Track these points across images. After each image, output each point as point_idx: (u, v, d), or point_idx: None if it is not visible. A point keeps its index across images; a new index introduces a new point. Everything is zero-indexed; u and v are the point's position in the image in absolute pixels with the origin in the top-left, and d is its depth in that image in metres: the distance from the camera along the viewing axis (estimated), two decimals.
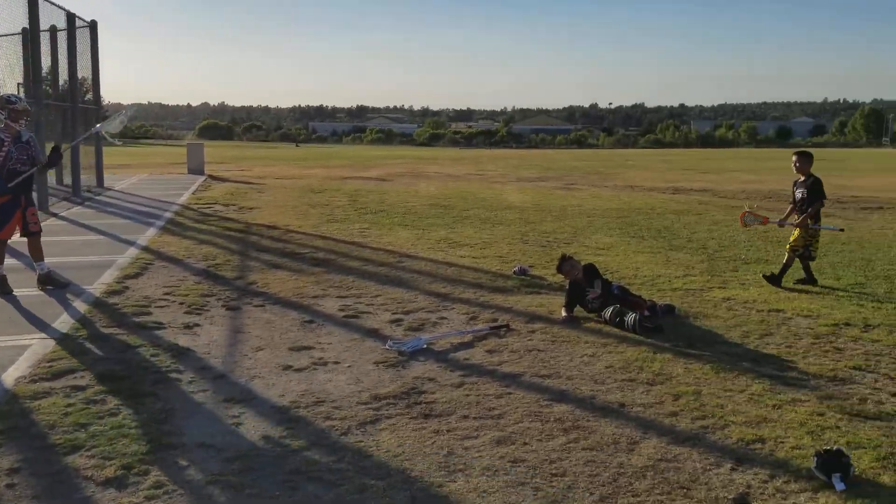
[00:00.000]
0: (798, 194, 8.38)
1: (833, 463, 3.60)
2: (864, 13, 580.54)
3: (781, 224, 8.81)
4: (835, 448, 3.72)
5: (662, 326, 6.36)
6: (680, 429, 4.30)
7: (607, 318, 6.55)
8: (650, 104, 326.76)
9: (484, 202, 17.93)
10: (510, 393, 4.94)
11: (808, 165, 8.41)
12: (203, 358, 5.66)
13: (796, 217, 8.38)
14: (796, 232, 8.28)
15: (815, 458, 3.68)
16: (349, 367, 5.50)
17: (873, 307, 7.16)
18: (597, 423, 4.40)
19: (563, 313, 6.84)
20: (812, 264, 9.51)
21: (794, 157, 8.56)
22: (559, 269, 7.35)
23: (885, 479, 3.66)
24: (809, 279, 8.29)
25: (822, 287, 8.10)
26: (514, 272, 8.90)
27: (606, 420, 4.45)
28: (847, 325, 6.52)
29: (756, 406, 4.62)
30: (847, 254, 10.30)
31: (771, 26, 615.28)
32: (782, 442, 4.08)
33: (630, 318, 6.33)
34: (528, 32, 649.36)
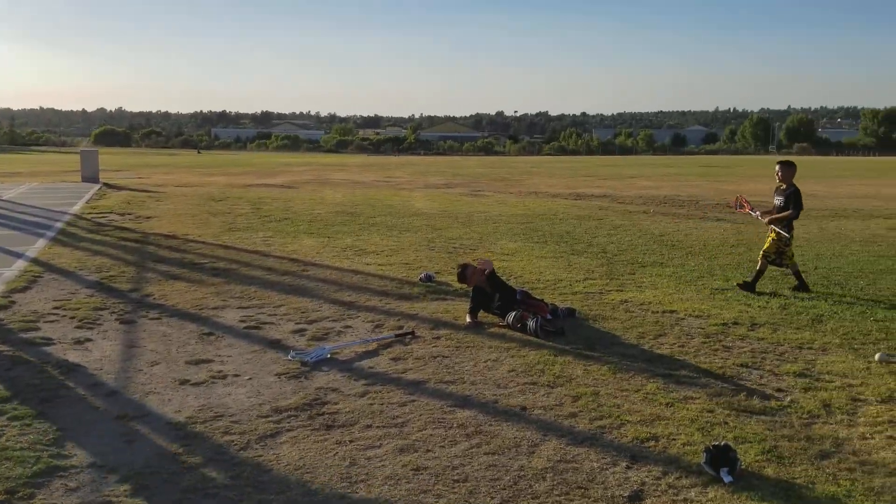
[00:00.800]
0: (776, 201, 8.52)
1: (721, 458, 3.76)
2: (752, 28, 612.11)
3: (763, 216, 8.81)
4: (723, 443, 3.88)
5: (563, 330, 6.50)
6: (579, 429, 4.40)
7: (510, 322, 6.64)
8: (554, 112, 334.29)
9: (391, 209, 17.91)
10: (414, 400, 4.93)
11: (791, 175, 8.42)
12: (95, 374, 5.41)
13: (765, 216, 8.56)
14: (769, 240, 8.40)
15: (705, 454, 3.83)
16: (249, 379, 5.37)
17: (759, 307, 7.53)
18: (499, 428, 4.44)
19: (468, 319, 6.90)
20: (703, 265, 9.95)
21: (777, 167, 8.58)
22: (460, 279, 7.41)
23: (769, 471, 3.84)
24: (802, 286, 8.26)
25: (713, 288, 8.46)
26: (421, 279, 8.92)
27: (508, 424, 4.50)
28: (735, 324, 6.83)
29: (650, 405, 4.78)
30: (736, 256, 10.80)
31: (666, 39, 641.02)
32: (674, 439, 4.23)
33: (532, 322, 6.44)
34: (433, 40, 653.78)
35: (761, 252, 8.51)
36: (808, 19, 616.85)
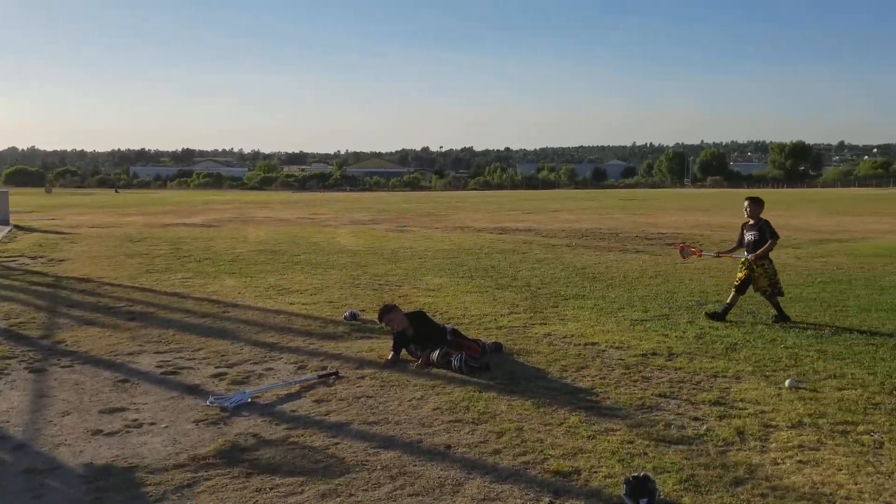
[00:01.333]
0: (749, 237, 8.70)
1: (640, 489, 3.82)
2: (666, 67, 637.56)
3: (720, 255, 9.28)
4: (642, 474, 3.95)
5: (488, 365, 6.53)
6: (503, 466, 4.41)
7: (435, 360, 6.64)
8: (478, 148, 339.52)
9: (316, 246, 17.76)
10: (337, 443, 4.86)
11: (759, 210, 8.71)
12: (1, 427, 5.14)
13: (743, 259, 8.70)
14: (758, 275, 8.53)
15: (625, 486, 3.89)
16: (166, 427, 5.19)
17: (677, 337, 7.74)
18: (423, 468, 4.41)
19: (390, 356, 6.86)
20: (623, 297, 10.19)
21: (746, 203, 8.82)
22: (380, 318, 7.27)
23: (687, 500, 3.93)
24: (781, 317, 8.43)
25: (632, 319, 8.66)
26: (345, 317, 8.84)
27: (432, 463, 4.47)
28: (654, 354, 7.00)
29: (573, 438, 4.83)
30: (654, 287, 11.11)
31: (586, 75, 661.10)
32: (596, 471, 4.28)
33: (456, 358, 6.45)
34: (359, 76, 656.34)
35: (765, 294, 8.61)
36: (718, 59, 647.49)
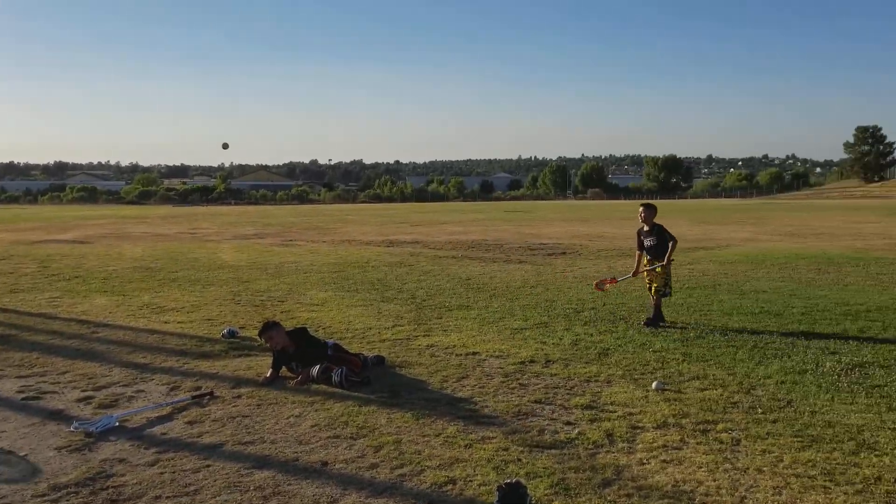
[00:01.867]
0: (648, 242, 9.09)
1: (512, 495, 3.90)
2: (549, 85, 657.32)
3: (636, 274, 9.35)
4: (514, 480, 4.03)
5: (369, 379, 6.50)
6: (379, 480, 4.40)
7: (315, 375, 6.55)
8: (368, 160, 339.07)
9: (196, 262, 17.20)
10: (209, 465, 4.71)
11: (653, 215, 9.13)
12: None
13: (647, 263, 9.08)
14: (656, 275, 8.91)
15: (497, 493, 3.96)
16: (25, 455, 4.88)
17: (554, 344, 7.97)
18: (298, 486, 4.34)
19: (268, 374, 6.72)
20: (505, 306, 10.40)
21: (640, 209, 9.20)
22: (261, 335, 7.09)
23: (557, 503, 4.04)
24: (657, 318, 8.82)
25: (513, 328, 8.85)
26: (223, 335, 8.60)
27: (308, 481, 4.41)
28: (532, 361, 7.18)
29: (450, 448, 4.88)
30: (534, 296, 11.40)
31: (473, 89, 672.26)
32: (471, 480, 4.34)
33: (336, 374, 6.39)
34: (243, 87, 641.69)
35: (653, 289, 9.00)
36: (597, 77, 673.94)
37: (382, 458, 4.74)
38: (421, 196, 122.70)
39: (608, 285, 10.31)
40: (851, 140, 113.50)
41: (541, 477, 4.36)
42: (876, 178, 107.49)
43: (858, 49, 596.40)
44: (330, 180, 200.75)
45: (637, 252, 9.41)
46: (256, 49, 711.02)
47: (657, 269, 8.99)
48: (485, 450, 4.82)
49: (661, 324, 8.85)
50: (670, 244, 9.02)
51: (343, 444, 5.04)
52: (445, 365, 7.10)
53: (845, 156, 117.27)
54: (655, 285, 9.02)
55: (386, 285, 12.87)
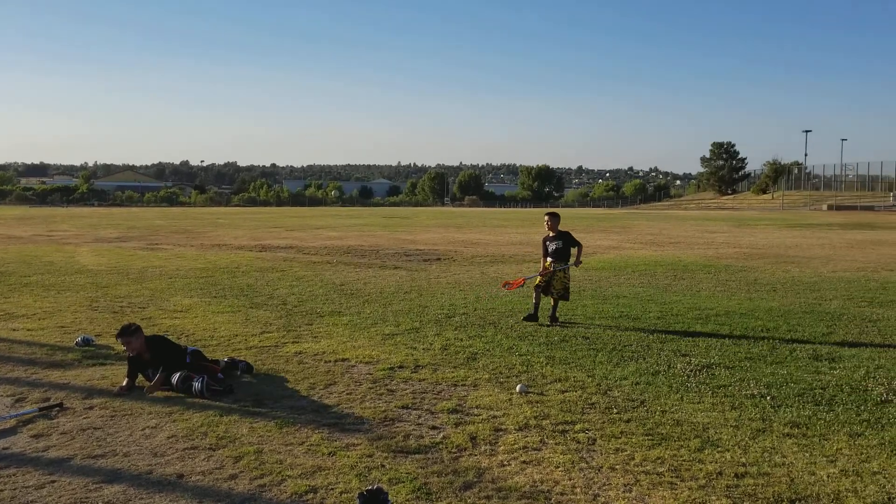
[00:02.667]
0: (553, 246, 9.75)
1: (373, 502, 3.89)
2: (428, 93, 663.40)
3: (543, 274, 9.72)
4: (375, 487, 4.02)
5: (232, 388, 6.32)
6: (237, 491, 4.27)
7: (175, 385, 6.29)
8: (243, 163, 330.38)
9: (51, 266, 16.18)
10: (54, 481, 4.42)
11: (558, 223, 9.84)
12: None
13: (550, 265, 9.67)
14: (557, 279, 9.55)
15: (358, 500, 3.93)
16: None
17: (424, 349, 8.02)
18: (150, 500, 4.15)
19: (124, 383, 6.40)
20: (377, 312, 10.39)
21: (546, 217, 9.90)
22: (118, 337, 6.70)
23: None
24: (533, 317, 9.53)
25: (384, 334, 8.84)
26: (77, 343, 8.12)
27: (161, 495, 4.22)
28: (401, 367, 7.19)
29: (313, 456, 4.81)
30: (408, 302, 11.44)
31: (352, 95, 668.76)
32: (333, 488, 4.29)
33: (197, 383, 6.17)
34: (111, 83, 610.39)
35: (554, 292, 9.60)
36: (476, 85, 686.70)
37: (242, 469, 4.60)
38: (298, 200, 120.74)
39: (516, 286, 10.68)
40: (708, 155, 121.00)
41: (403, 482, 4.36)
42: (729, 191, 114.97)
43: (715, 68, 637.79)
44: (202, 182, 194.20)
45: (542, 258, 9.97)
46: (126, 42, 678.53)
47: (565, 270, 9.66)
48: (349, 457, 4.78)
49: (535, 321, 9.49)
50: (577, 248, 9.75)
51: (201, 455, 4.87)
52: (313, 372, 7.00)
53: (702, 169, 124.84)
54: (557, 288, 9.62)
55: (256, 291, 12.56)
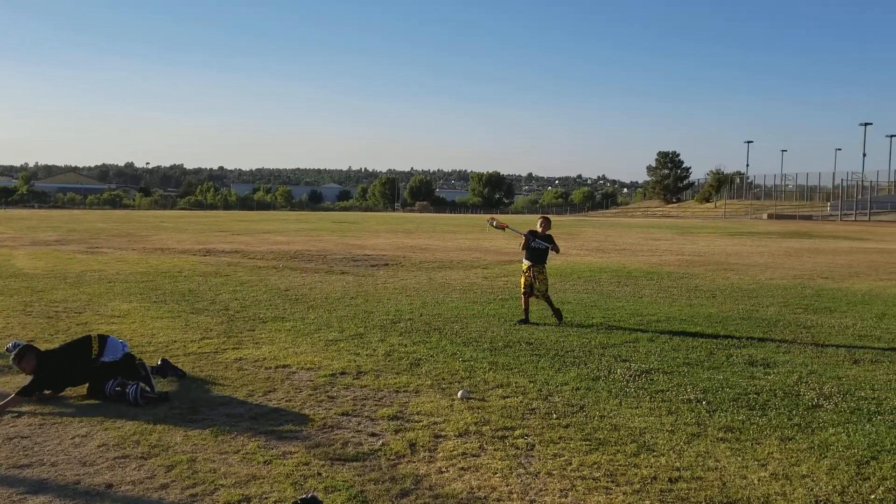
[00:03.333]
0: (535, 244, 10.33)
1: None
2: (380, 99, 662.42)
3: (523, 247, 10.38)
4: (310, 495, 3.97)
5: (168, 395, 6.17)
6: (168, 501, 4.17)
7: (108, 392, 6.12)
8: (189, 165, 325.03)
9: None
10: None
11: (549, 227, 10.55)
12: None
13: (525, 268, 10.37)
14: (540, 280, 10.23)
15: None
16: None
17: (367, 355, 7.96)
18: None
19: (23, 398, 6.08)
20: (322, 318, 10.30)
21: (540, 220, 10.63)
22: (13, 362, 6.29)
23: None
24: (525, 321, 10.06)
25: (328, 340, 8.75)
26: (7, 349, 7.84)
27: None
28: (343, 373, 7.12)
29: (248, 465, 4.72)
30: (353, 307, 11.36)
31: (303, 98, 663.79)
32: (266, 497, 4.22)
33: (131, 390, 6.01)
34: (53, 83, 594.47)
35: (538, 293, 10.28)
36: (428, 92, 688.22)
37: (174, 478, 4.50)
38: (246, 204, 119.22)
39: (503, 227, 11.28)
40: (654, 164, 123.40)
41: (339, 490, 4.31)
42: (674, 200, 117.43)
43: (662, 79, 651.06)
44: (147, 185, 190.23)
45: (524, 240, 10.42)
46: (70, 40, 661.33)
47: (540, 275, 10.29)
48: (284, 465, 4.71)
49: (528, 324, 10.01)
50: (554, 250, 10.44)
51: (132, 464, 4.74)
52: (253, 379, 6.89)
53: (648, 178, 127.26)
54: (540, 289, 10.24)
55: (198, 296, 12.33)
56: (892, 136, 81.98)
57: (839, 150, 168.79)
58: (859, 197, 75.98)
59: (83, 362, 6.31)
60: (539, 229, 10.50)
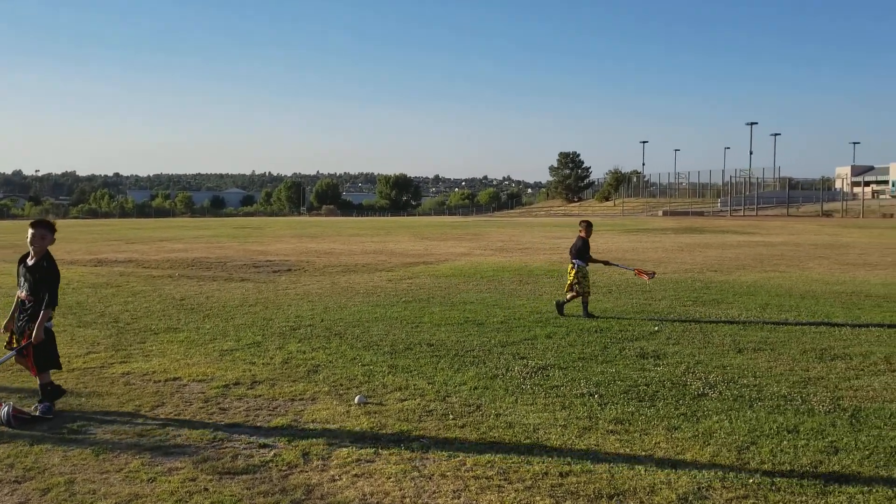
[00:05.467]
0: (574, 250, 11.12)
1: None
2: (286, 99, 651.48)
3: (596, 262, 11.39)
4: None
5: (42, 414, 5.84)
6: None
7: None
8: (83, 172, 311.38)
9: None
10: None
11: (591, 231, 11.38)
12: None
13: (570, 267, 11.18)
14: (570, 274, 10.94)
15: None
16: None
17: (263, 364, 7.78)
18: None
19: None
20: (218, 327, 10.02)
21: (581, 224, 11.52)
22: None
23: None
24: (587, 313, 10.62)
25: (223, 350, 8.50)
26: None
27: None
28: (237, 384, 6.93)
29: (130, 484, 4.52)
30: (252, 315, 11.09)
31: (198, 101, 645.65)
32: None
33: (3, 411, 5.66)
34: None
35: (567, 286, 11.06)
36: (333, 93, 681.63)
37: (49, 502, 4.25)
38: (144, 212, 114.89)
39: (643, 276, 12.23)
40: (555, 164, 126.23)
41: None
42: (576, 199, 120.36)
43: (558, 81, 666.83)
44: (37, 193, 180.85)
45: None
46: None
47: (571, 270, 11.08)
48: (170, 482, 4.53)
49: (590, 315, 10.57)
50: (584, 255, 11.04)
51: (4, 489, 4.45)
52: (140, 393, 6.61)
53: (551, 178, 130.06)
54: (581, 289, 10.81)
55: (86, 309, 11.77)
56: (776, 134, 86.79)
57: (728, 148, 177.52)
58: (747, 193, 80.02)
59: None
60: (583, 234, 11.31)
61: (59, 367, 6.36)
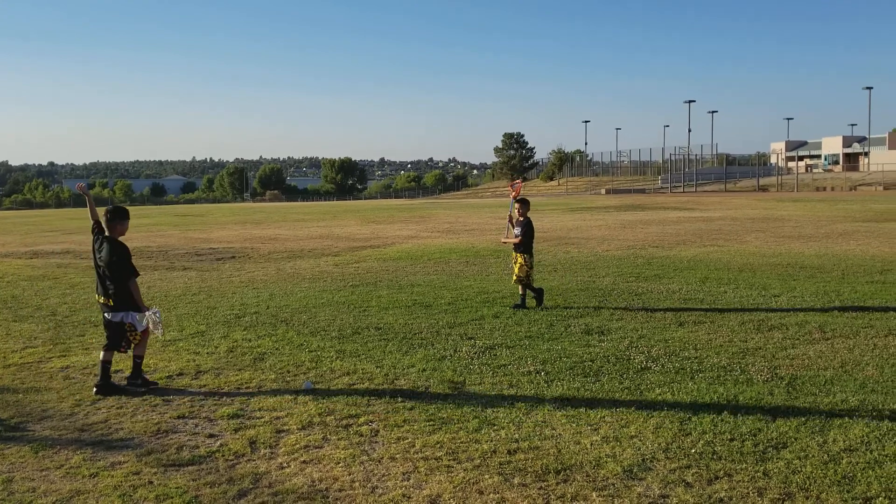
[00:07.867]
0: (516, 231, 10.19)
1: None
2: (222, 84, 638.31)
3: (505, 241, 10.65)
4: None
5: None
6: None
7: None
8: (15, 162, 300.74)
9: None
10: None
11: (527, 210, 10.30)
12: None
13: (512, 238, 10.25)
14: (517, 266, 9.96)
15: None
16: None
17: (208, 353, 7.65)
18: None
19: None
20: (160, 316, 9.81)
21: (517, 204, 10.35)
22: None
23: None
24: (522, 305, 9.83)
25: (165, 340, 8.33)
26: None
27: None
28: (180, 374, 6.81)
29: (72, 480, 4.41)
30: (195, 304, 10.89)
31: (135, 88, 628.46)
32: None
33: None
34: None
35: (514, 279, 10.05)
36: (270, 80, 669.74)
37: None
38: (80, 201, 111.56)
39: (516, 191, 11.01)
40: (500, 145, 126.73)
41: (172, 497, 4.12)
42: (521, 179, 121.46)
43: (502, 63, 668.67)
44: None
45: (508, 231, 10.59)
46: None
47: (519, 260, 10.02)
48: (113, 477, 4.43)
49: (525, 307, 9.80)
50: (520, 238, 10.10)
51: None
52: (80, 387, 6.45)
53: (496, 159, 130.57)
54: (516, 274, 10.02)
55: (21, 302, 11.39)
56: (713, 111, 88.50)
57: (667, 126, 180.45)
58: (686, 170, 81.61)
59: None
60: (517, 214, 10.38)
61: None
